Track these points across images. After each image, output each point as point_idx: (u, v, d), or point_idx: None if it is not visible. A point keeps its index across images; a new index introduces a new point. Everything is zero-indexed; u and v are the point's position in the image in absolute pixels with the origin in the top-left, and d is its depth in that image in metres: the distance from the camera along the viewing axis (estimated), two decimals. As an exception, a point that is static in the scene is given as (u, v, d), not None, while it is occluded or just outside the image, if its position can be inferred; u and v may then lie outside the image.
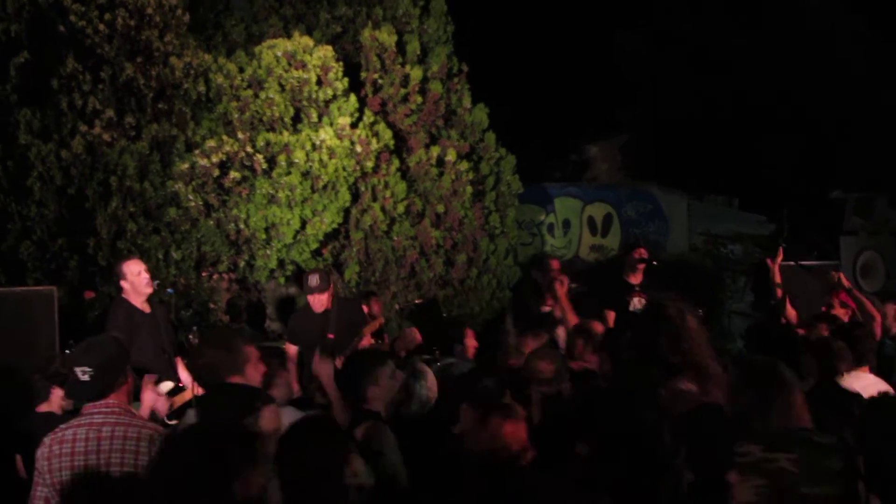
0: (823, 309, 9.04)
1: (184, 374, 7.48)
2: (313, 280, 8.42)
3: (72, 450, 4.11)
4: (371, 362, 4.89)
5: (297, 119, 10.36)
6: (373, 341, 9.38)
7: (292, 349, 8.50)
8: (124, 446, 4.11)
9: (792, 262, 11.97)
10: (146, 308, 7.74)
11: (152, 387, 5.46)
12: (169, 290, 8.57)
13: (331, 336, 8.37)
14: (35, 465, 4.19)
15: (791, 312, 9.37)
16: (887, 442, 3.47)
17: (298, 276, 10.78)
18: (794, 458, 2.53)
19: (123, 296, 7.71)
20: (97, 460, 4.09)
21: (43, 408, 6.50)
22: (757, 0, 16.63)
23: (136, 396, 6.20)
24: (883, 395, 4.32)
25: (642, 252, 9.69)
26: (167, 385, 7.39)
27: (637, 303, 9.49)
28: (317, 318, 8.46)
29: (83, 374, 4.22)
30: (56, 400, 6.49)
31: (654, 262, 9.73)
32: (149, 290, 7.73)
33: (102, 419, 4.15)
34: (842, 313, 8.82)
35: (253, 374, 4.09)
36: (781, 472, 2.54)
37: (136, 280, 7.65)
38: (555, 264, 9.40)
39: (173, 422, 7.40)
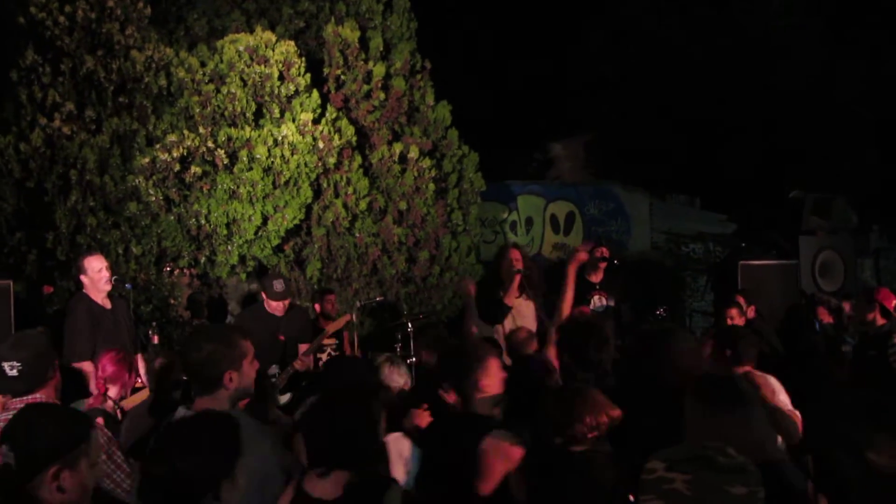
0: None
1: (142, 371, 7.40)
2: (279, 286, 8.42)
3: None
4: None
5: (258, 114, 10.32)
6: (334, 341, 9.40)
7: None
8: None
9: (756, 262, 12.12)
10: (106, 303, 7.76)
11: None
12: (127, 285, 8.50)
13: (282, 338, 8.48)
14: None
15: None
16: (837, 443, 3.44)
17: (260, 273, 10.75)
18: (689, 480, 2.43)
19: (84, 291, 7.71)
20: None
21: None
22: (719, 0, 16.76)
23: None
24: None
25: (604, 251, 9.71)
26: None
27: (597, 301, 9.54)
28: (271, 319, 8.46)
29: (10, 368, 4.20)
30: None
31: (616, 261, 9.76)
32: (107, 288, 7.77)
33: None
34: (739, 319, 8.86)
35: (249, 369, 4.06)
36: (675, 493, 2.44)
37: (97, 276, 7.68)
38: (514, 253, 9.34)
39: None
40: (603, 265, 9.69)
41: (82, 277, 7.72)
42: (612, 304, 9.58)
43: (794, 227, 12.73)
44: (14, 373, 4.22)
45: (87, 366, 7.14)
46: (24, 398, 4.18)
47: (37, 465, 3.02)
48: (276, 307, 8.45)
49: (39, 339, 4.45)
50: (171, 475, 3.19)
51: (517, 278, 8.72)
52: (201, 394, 3.95)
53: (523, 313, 8.91)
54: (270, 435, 4.21)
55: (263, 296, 8.55)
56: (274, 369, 8.32)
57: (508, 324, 8.66)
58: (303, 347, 8.59)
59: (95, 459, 3.21)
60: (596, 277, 9.74)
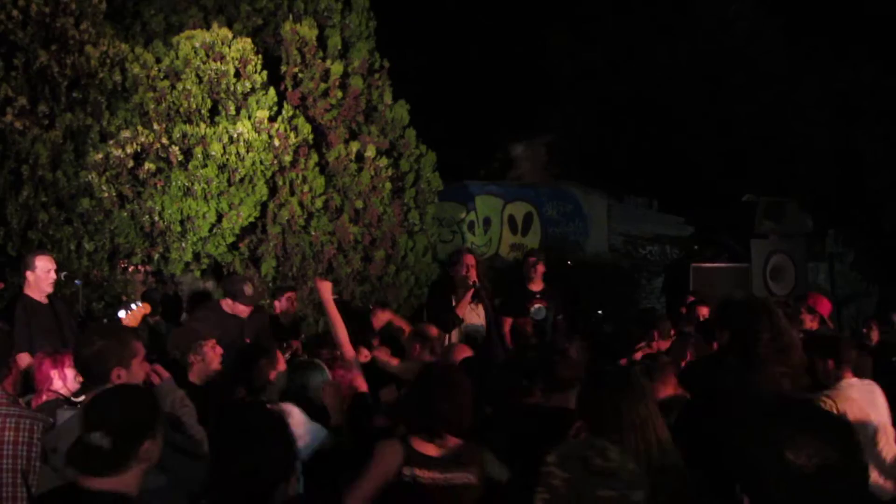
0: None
1: None
2: (248, 289, 8.42)
3: None
4: None
5: (214, 111, 10.28)
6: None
7: None
8: (16, 437, 4.09)
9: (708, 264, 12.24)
10: (44, 300, 7.82)
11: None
12: (77, 281, 8.51)
13: (247, 340, 8.35)
14: None
15: None
16: (760, 444, 3.49)
17: (214, 270, 10.72)
18: (566, 479, 2.51)
19: (24, 290, 7.75)
20: None
21: None
22: (678, 1, 16.89)
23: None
24: None
25: (537, 263, 9.89)
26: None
27: (537, 310, 9.69)
28: (233, 321, 8.41)
29: None
30: None
31: (569, 262, 9.85)
32: (49, 290, 7.90)
33: None
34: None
35: (138, 370, 4.14)
36: (556, 490, 2.53)
37: (43, 276, 7.78)
38: (468, 259, 9.44)
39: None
40: (541, 272, 9.83)
41: (28, 273, 7.78)
42: (550, 311, 9.75)
43: (747, 231, 12.85)
44: None
45: (23, 357, 7.24)
46: None
47: (133, 443, 3.24)
48: (242, 310, 8.42)
49: None
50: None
51: (470, 292, 8.85)
52: (90, 388, 4.07)
53: (472, 319, 9.06)
54: None
55: (228, 300, 8.48)
56: None
57: (455, 333, 8.76)
58: None
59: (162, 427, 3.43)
60: (535, 286, 9.89)
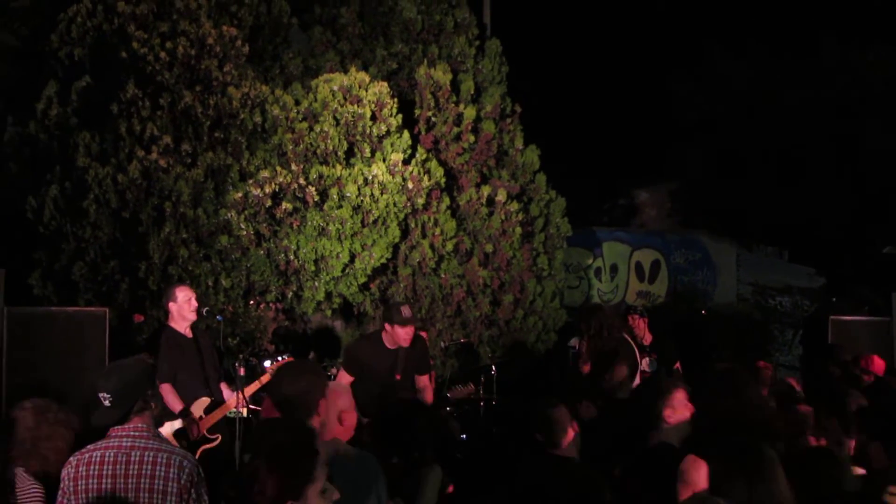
0: None
1: (227, 394, 7.93)
2: (407, 311, 7.77)
3: (99, 472, 4.13)
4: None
5: (350, 153, 10.41)
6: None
7: (346, 378, 7.61)
8: (154, 471, 4.13)
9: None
10: (188, 333, 7.95)
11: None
12: (218, 317, 8.68)
13: (398, 377, 7.86)
14: (60, 485, 4.22)
15: None
16: None
17: (344, 310, 10.81)
18: None
19: (168, 322, 7.91)
20: (125, 483, 4.11)
21: None
22: (810, 47, 16.59)
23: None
24: None
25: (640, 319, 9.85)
26: (204, 401, 7.82)
27: (645, 364, 9.54)
28: (388, 353, 7.85)
29: (104, 399, 4.26)
30: None
31: (703, 311, 9.68)
32: (192, 317, 8.03)
33: (131, 443, 4.17)
34: None
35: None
36: None
37: (185, 305, 7.94)
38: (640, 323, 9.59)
39: (214, 435, 7.64)
40: (644, 326, 9.74)
41: (170, 304, 7.95)
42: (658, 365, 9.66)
43: (887, 283, 12.45)
44: (107, 403, 4.27)
45: (165, 387, 7.50)
46: (125, 427, 4.22)
47: None
48: (402, 337, 7.73)
49: (132, 368, 4.49)
50: None
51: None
52: None
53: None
54: None
55: (386, 325, 7.80)
56: None
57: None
58: (422, 379, 8.11)
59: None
60: (646, 340, 9.75)
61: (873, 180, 15.46)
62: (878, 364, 9.23)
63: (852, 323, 11.81)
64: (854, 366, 9.25)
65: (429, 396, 8.19)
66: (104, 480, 4.11)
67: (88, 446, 4.25)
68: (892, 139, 15.59)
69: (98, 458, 4.15)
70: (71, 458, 4.24)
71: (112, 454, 4.15)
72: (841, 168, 15.58)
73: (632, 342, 8.84)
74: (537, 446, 5.28)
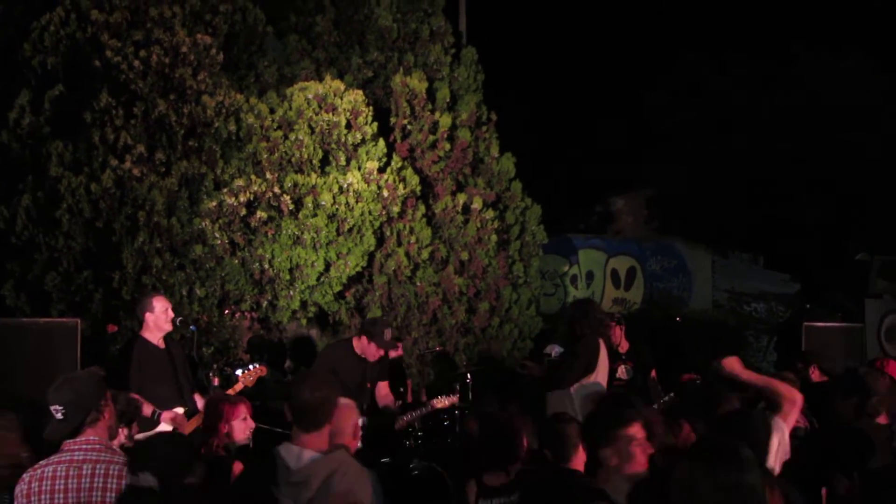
0: None
1: (201, 404, 7.75)
2: (388, 334, 8.24)
3: (52, 487, 4.12)
4: None
5: (325, 162, 10.41)
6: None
7: None
8: (106, 483, 4.11)
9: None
10: (161, 343, 7.86)
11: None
12: (192, 327, 8.64)
13: (367, 385, 8.30)
14: (14, 502, 4.20)
15: None
16: None
17: (320, 318, 10.78)
18: None
19: (141, 333, 7.84)
20: (77, 497, 4.10)
21: None
22: (785, 59, 16.68)
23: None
24: None
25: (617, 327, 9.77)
26: (179, 410, 7.71)
27: (622, 371, 9.54)
28: (360, 364, 8.22)
29: (56, 412, 4.22)
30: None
31: (678, 318, 9.70)
32: (168, 328, 7.91)
33: (83, 456, 4.15)
34: None
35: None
36: None
37: (162, 316, 7.84)
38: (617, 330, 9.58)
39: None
40: (622, 334, 9.72)
41: (147, 314, 7.82)
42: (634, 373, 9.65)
43: (860, 290, 12.54)
44: (59, 416, 4.24)
45: (134, 398, 7.37)
46: (78, 440, 4.21)
47: None
48: (373, 353, 8.18)
49: (83, 380, 4.44)
50: None
51: None
52: (307, 432, 4.29)
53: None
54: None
55: (363, 338, 8.18)
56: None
57: None
58: (381, 385, 8.49)
59: None
60: (622, 348, 9.75)
61: (847, 187, 15.55)
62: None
63: (826, 329, 11.89)
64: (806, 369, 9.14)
65: (389, 400, 8.58)
66: (56, 495, 4.11)
67: (41, 462, 4.23)
68: (866, 146, 15.70)
69: (50, 474, 4.14)
70: (24, 475, 4.22)
71: (63, 468, 4.14)
72: (815, 175, 15.65)
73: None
74: (546, 462, 5.30)
